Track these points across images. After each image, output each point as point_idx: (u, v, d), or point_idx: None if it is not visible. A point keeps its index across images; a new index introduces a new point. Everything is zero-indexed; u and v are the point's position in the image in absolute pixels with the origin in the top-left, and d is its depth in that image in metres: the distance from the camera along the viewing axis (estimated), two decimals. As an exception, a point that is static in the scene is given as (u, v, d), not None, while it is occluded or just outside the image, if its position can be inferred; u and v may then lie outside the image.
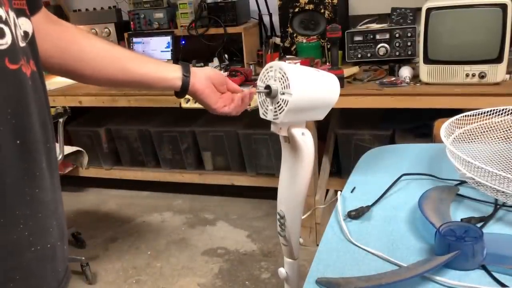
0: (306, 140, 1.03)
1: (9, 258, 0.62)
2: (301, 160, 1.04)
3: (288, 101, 0.96)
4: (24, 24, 0.67)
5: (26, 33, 0.67)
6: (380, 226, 0.97)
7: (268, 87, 1.00)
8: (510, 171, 1.02)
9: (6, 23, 0.61)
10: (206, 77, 1.01)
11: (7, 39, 0.60)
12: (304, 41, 2.36)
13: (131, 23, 2.75)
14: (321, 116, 1.08)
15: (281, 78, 0.98)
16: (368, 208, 1.02)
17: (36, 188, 0.64)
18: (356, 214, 1.00)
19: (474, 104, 1.73)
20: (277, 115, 1.00)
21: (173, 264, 2.34)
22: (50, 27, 0.84)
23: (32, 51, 0.66)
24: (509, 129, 1.14)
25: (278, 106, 0.99)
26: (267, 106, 1.02)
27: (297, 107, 0.98)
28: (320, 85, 1.04)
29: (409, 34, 2.17)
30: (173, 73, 0.97)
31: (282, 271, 1.19)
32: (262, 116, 1.06)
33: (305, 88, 0.99)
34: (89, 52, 0.89)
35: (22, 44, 0.64)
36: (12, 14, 0.63)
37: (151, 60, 0.97)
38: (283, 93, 0.98)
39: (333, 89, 1.05)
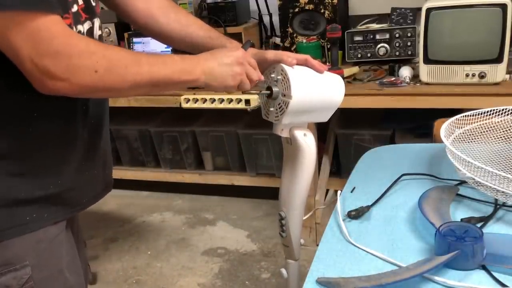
0: (308, 142, 1.03)
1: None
2: (303, 161, 1.04)
3: (288, 103, 0.96)
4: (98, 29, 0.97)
5: (100, 36, 0.97)
6: (380, 226, 0.97)
7: (269, 88, 1.00)
8: (510, 171, 1.02)
9: (85, 33, 0.90)
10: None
11: None
12: (304, 41, 2.36)
13: (131, 23, 2.74)
14: (324, 118, 1.07)
15: (282, 80, 0.98)
16: (368, 208, 1.02)
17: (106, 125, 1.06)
18: (356, 214, 1.00)
19: (474, 104, 1.73)
20: (278, 116, 1.00)
21: (173, 264, 2.34)
22: (139, 4, 1.09)
23: None
24: (509, 129, 1.14)
25: (279, 108, 0.99)
26: (269, 107, 1.02)
27: (298, 109, 0.98)
28: (323, 87, 1.03)
29: (409, 34, 2.17)
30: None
31: (283, 272, 1.19)
32: (264, 117, 1.06)
33: (306, 90, 0.99)
34: (167, 31, 1.11)
35: None
36: (88, 24, 0.92)
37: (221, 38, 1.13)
38: (284, 95, 0.98)
39: (337, 91, 1.05)
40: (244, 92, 1.08)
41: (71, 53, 0.76)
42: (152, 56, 0.86)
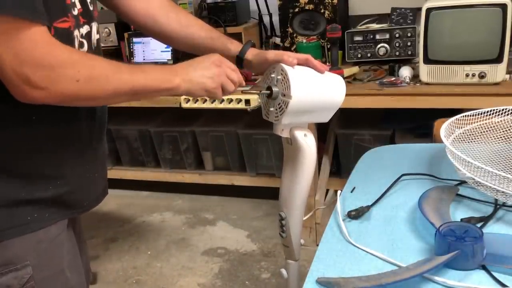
0: (308, 142, 1.03)
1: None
2: (303, 162, 1.04)
3: (288, 103, 0.96)
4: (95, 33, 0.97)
5: (97, 40, 0.98)
6: (380, 226, 0.97)
7: (269, 88, 1.00)
8: (510, 171, 1.02)
9: (84, 37, 0.91)
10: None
11: (84, 49, 0.92)
12: (304, 41, 2.36)
13: (131, 23, 2.74)
14: (325, 118, 1.07)
15: (282, 80, 0.98)
16: (368, 208, 1.02)
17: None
18: (356, 214, 1.00)
19: (474, 104, 1.73)
20: (277, 116, 1.00)
21: (173, 264, 2.35)
22: (138, 4, 1.09)
23: (96, 52, 0.97)
24: (509, 129, 1.14)
25: (279, 108, 0.99)
26: (269, 107, 1.02)
27: (298, 109, 0.98)
28: (324, 88, 1.03)
29: (409, 34, 2.17)
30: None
31: (283, 272, 1.19)
32: (264, 117, 1.06)
33: (306, 91, 0.98)
34: (168, 31, 1.11)
35: (91, 49, 0.95)
36: (87, 28, 0.92)
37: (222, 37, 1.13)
38: (284, 95, 0.98)
39: (337, 91, 1.04)
40: (244, 92, 1.07)
41: (53, 63, 0.77)
42: (132, 66, 0.88)
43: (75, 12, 0.88)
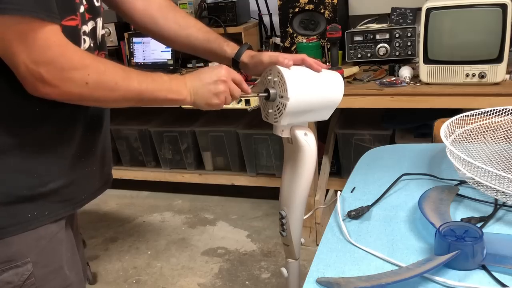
0: (308, 141, 1.03)
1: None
2: (304, 161, 1.04)
3: (286, 105, 0.96)
4: (100, 28, 0.98)
5: (102, 36, 0.99)
6: (380, 226, 0.97)
7: (266, 90, 1.00)
8: (510, 171, 1.02)
9: (88, 34, 0.92)
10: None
11: (86, 45, 0.92)
12: (304, 41, 2.36)
13: (131, 23, 2.74)
14: (325, 116, 1.07)
15: (279, 82, 0.98)
16: (368, 208, 1.02)
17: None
18: (356, 214, 1.00)
19: (474, 104, 1.73)
20: (277, 118, 1.00)
21: (173, 264, 2.35)
22: (138, 4, 1.10)
23: (101, 47, 0.98)
24: (509, 129, 1.14)
25: (277, 110, 0.99)
26: (268, 109, 1.02)
27: (297, 109, 0.98)
28: (321, 86, 1.03)
29: (409, 34, 2.17)
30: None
31: (283, 271, 1.19)
32: (264, 119, 1.06)
33: (303, 91, 0.99)
34: (166, 32, 1.12)
35: (96, 44, 0.97)
36: (92, 24, 0.93)
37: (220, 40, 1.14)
38: (281, 97, 0.98)
39: (336, 89, 1.05)
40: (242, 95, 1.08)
41: (64, 64, 0.80)
42: (142, 74, 0.90)
43: (81, 10, 0.89)
